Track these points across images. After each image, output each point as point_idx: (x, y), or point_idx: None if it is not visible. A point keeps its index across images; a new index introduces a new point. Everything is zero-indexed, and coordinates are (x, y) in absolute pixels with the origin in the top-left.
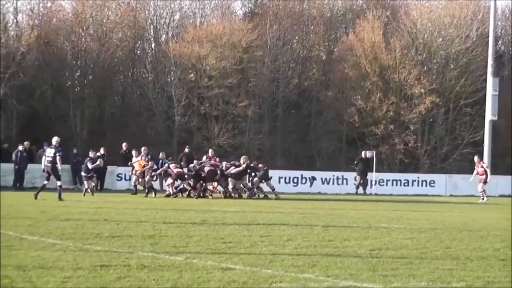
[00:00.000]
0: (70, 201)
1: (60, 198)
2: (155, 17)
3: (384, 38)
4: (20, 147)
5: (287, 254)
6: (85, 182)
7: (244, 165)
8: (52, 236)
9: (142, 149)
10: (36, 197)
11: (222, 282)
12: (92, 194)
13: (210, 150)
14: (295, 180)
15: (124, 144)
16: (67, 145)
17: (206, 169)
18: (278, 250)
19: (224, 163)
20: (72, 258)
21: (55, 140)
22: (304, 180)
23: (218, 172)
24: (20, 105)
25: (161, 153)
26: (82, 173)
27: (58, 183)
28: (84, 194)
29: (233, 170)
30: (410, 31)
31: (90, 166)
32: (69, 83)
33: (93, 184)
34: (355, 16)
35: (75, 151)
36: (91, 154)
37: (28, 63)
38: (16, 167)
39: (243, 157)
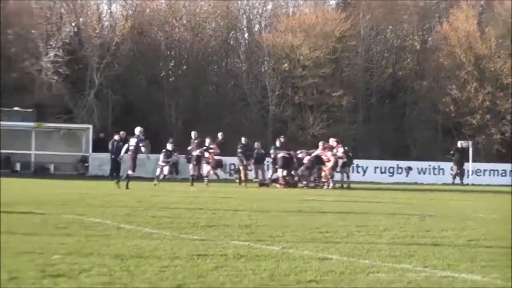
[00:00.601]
0: (165, 190)
1: (127, 186)
2: (247, 7)
3: (479, 27)
4: (116, 137)
5: (384, 244)
6: (158, 169)
7: (314, 154)
8: (149, 225)
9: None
10: (127, 187)
11: (319, 272)
12: (155, 184)
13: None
14: (391, 170)
15: (220, 134)
16: (162, 135)
17: (280, 156)
18: (375, 240)
19: (298, 151)
20: (169, 247)
21: (138, 130)
22: (399, 170)
23: (294, 160)
24: (115, 95)
25: (256, 143)
26: (159, 162)
27: (129, 172)
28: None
29: (306, 160)
30: (505, 20)
31: (161, 158)
32: (163, 73)
33: (163, 174)
34: (448, 5)
35: (171, 141)
36: (169, 147)
37: (123, 53)
38: (112, 156)
39: (321, 142)
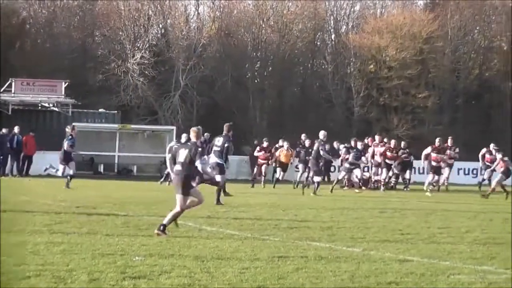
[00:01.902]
0: (249, 192)
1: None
2: (335, 8)
3: None
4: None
5: (465, 245)
6: (342, 173)
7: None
8: (231, 227)
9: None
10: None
11: (399, 274)
12: (357, 192)
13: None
14: (474, 171)
15: (303, 135)
16: (247, 136)
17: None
18: (457, 241)
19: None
20: (250, 249)
21: (322, 134)
22: (483, 172)
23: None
24: (200, 96)
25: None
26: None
27: (316, 178)
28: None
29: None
30: None
31: (350, 159)
32: (249, 74)
33: (358, 178)
34: None
35: (256, 142)
36: (359, 146)
37: (209, 55)
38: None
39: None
